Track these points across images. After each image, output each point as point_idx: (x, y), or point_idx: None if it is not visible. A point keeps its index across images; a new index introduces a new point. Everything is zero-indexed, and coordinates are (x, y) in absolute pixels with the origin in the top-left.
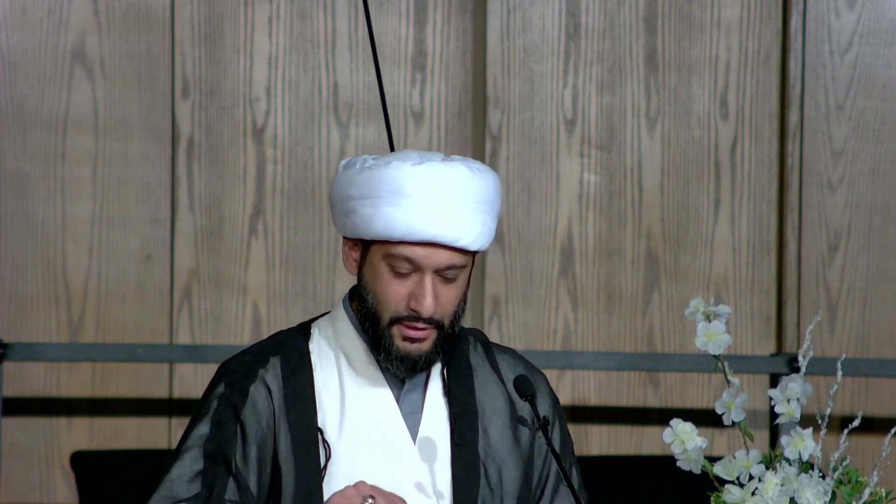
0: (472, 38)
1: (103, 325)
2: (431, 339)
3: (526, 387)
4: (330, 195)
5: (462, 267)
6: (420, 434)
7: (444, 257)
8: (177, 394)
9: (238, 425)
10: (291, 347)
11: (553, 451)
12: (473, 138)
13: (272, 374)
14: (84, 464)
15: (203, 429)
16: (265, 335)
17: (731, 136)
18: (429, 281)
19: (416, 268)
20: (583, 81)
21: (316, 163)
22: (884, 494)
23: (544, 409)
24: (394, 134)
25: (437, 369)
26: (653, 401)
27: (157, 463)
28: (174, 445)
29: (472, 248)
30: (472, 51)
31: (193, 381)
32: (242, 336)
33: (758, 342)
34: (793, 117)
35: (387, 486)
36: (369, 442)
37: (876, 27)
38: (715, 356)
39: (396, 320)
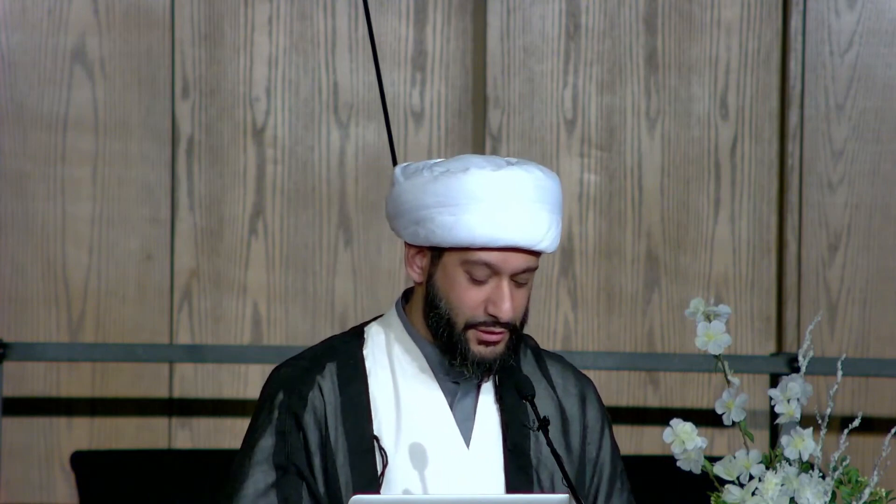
0: (472, 38)
1: (103, 325)
2: (505, 341)
3: (526, 387)
4: (394, 204)
5: (534, 269)
6: (473, 440)
7: (521, 261)
8: (177, 394)
9: (301, 433)
10: (346, 353)
11: (554, 451)
12: (473, 138)
13: (329, 380)
14: (84, 464)
15: (268, 440)
16: (265, 335)
17: (731, 136)
18: (506, 286)
19: (494, 273)
20: (583, 81)
21: (316, 163)
22: (884, 494)
23: (592, 415)
24: (394, 134)
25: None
26: (653, 401)
27: (158, 463)
28: (174, 445)
29: (549, 250)
30: (472, 51)
31: (193, 381)
32: (242, 336)
33: (758, 342)
34: (793, 117)
35: (440, 491)
36: (424, 448)
37: (876, 27)
38: (715, 356)
39: (472, 325)
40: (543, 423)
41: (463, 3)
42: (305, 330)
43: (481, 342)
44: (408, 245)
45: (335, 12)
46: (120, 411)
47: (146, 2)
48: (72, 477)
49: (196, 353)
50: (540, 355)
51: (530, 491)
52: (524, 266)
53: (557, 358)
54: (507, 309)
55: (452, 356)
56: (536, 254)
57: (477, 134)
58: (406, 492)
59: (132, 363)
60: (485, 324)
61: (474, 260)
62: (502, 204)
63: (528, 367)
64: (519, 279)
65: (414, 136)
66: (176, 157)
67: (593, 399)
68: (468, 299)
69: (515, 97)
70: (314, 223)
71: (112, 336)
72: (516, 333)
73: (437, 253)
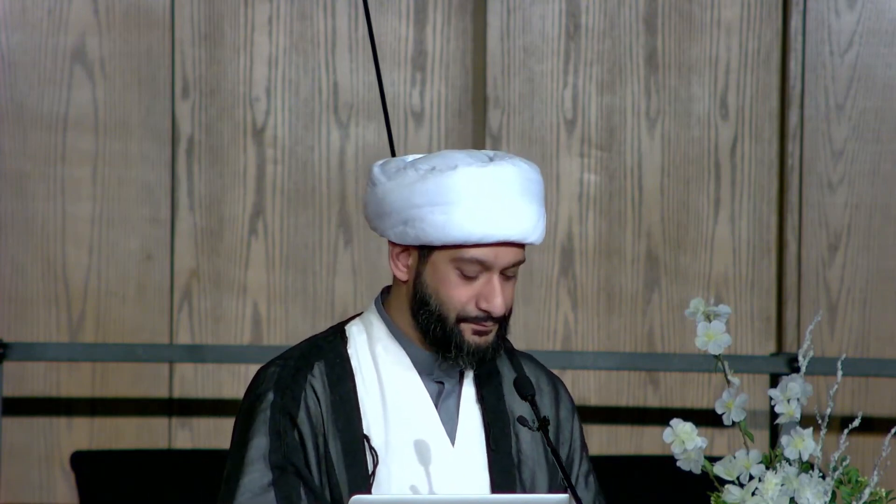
0: (472, 38)
1: (103, 325)
2: (494, 330)
3: (526, 387)
4: (378, 204)
5: (522, 262)
6: (458, 440)
7: (511, 256)
8: (177, 394)
9: (296, 432)
10: (333, 353)
11: (554, 451)
12: (473, 138)
13: (319, 380)
14: (84, 464)
15: (262, 440)
16: (265, 335)
17: (731, 136)
18: (497, 281)
19: (485, 269)
20: (583, 81)
21: (316, 163)
22: (884, 494)
23: (564, 414)
24: (394, 134)
25: (469, 375)
26: (653, 401)
27: (158, 463)
28: (174, 445)
29: (538, 242)
30: (472, 51)
31: (193, 381)
32: (242, 336)
33: (758, 342)
34: (793, 117)
35: (426, 491)
36: (411, 447)
37: (876, 27)
38: (715, 356)
39: (464, 319)
40: (543, 423)
41: (463, 3)
42: (305, 330)
43: (475, 332)
44: (392, 244)
45: (335, 12)
46: (120, 411)
47: (146, 2)
48: (72, 477)
49: (196, 353)
50: (513, 353)
51: (513, 489)
52: (514, 260)
53: (528, 357)
54: (498, 304)
55: (447, 349)
56: (523, 246)
57: (477, 134)
58: (413, 489)
59: (132, 363)
60: (476, 319)
61: (467, 258)
62: (493, 200)
63: (504, 365)
64: (508, 273)
65: (414, 136)
66: (176, 157)
67: (565, 397)
68: (459, 295)
69: (515, 97)
70: (314, 223)
71: (112, 336)
72: (505, 323)
73: (425, 251)
